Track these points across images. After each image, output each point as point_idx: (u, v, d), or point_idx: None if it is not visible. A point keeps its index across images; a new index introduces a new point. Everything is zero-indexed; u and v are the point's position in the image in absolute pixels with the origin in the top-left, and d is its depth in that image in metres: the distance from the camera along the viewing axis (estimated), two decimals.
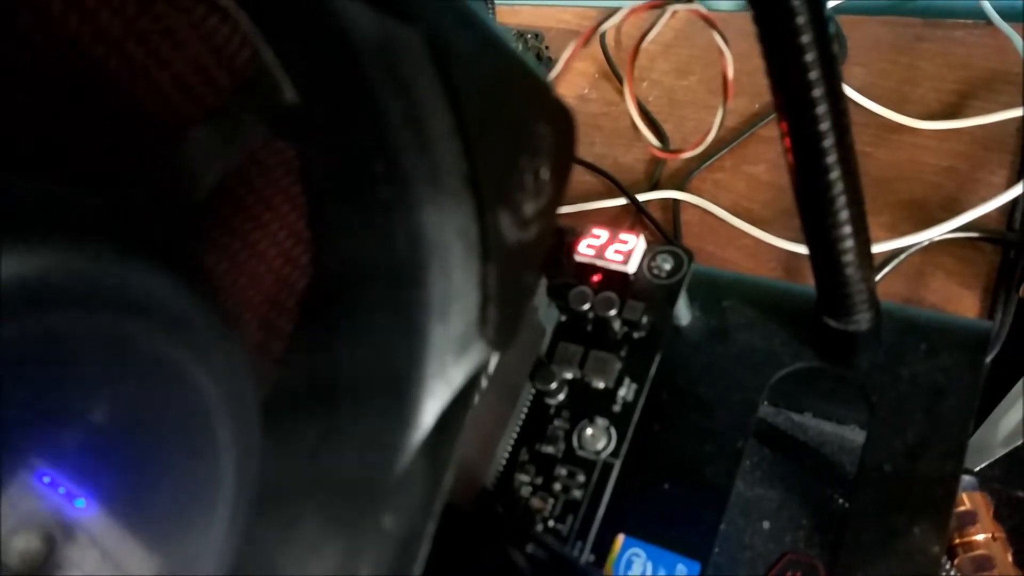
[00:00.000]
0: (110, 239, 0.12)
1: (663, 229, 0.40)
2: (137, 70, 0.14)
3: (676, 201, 0.41)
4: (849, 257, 0.21)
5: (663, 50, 0.47)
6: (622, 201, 0.42)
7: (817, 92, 0.18)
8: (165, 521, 0.12)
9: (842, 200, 0.20)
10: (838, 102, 0.18)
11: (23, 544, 0.10)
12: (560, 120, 0.14)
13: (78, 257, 0.11)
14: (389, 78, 0.13)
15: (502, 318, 0.15)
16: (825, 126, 0.19)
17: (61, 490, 0.10)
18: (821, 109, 0.18)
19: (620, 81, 0.46)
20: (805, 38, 0.17)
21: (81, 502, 0.11)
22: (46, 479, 0.10)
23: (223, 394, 0.12)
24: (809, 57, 0.18)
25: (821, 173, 0.19)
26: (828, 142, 0.19)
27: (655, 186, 0.42)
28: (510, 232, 0.14)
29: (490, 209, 0.14)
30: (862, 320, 0.22)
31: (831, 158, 0.19)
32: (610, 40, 0.48)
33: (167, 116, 0.14)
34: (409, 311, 0.15)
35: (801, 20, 0.17)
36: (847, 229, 0.20)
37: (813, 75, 0.18)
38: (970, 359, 0.23)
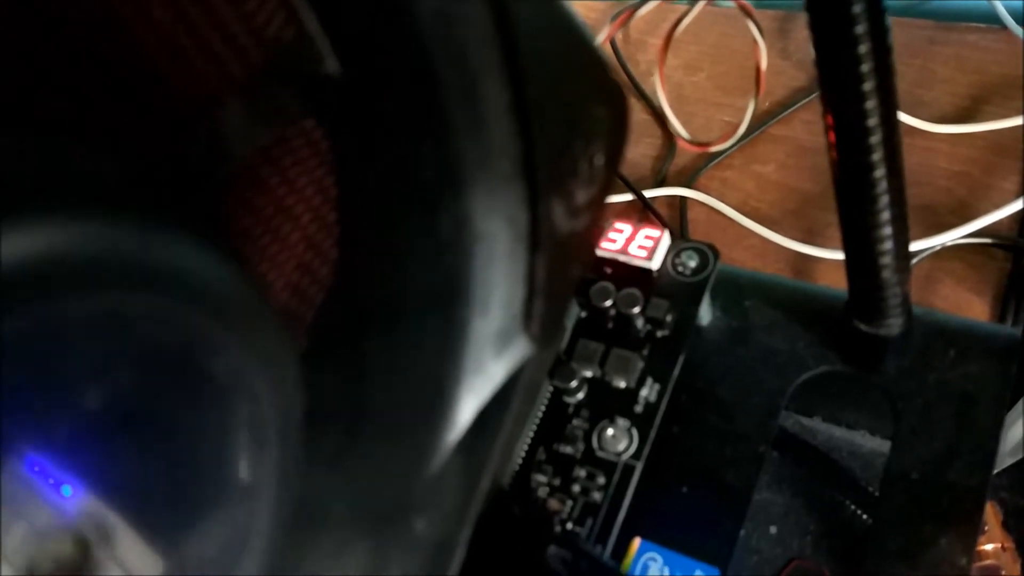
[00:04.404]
0: (132, 211, 0.11)
1: (670, 227, 0.40)
2: (165, 36, 0.13)
3: (683, 198, 0.40)
4: (887, 259, 0.20)
5: (671, 45, 0.46)
6: (627, 197, 0.41)
7: (868, 86, 0.17)
8: (189, 512, 0.11)
9: (885, 200, 0.19)
10: (890, 97, 0.18)
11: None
12: (616, 103, 0.14)
13: (99, 230, 0.10)
14: (445, 48, 0.12)
15: (547, 313, 0.14)
16: (874, 121, 0.18)
17: (50, 480, 0.10)
18: (871, 104, 0.18)
19: (629, 75, 0.46)
20: (860, 28, 0.17)
21: (67, 489, 0.10)
22: (36, 467, 0.09)
23: (267, 378, 0.11)
24: (863, 48, 0.17)
25: (865, 170, 0.19)
26: (875, 138, 0.18)
27: (661, 183, 0.42)
28: (561, 221, 0.14)
29: (542, 196, 0.13)
30: (894, 324, 0.22)
31: (877, 155, 0.19)
32: (617, 34, 0.48)
33: (195, 87, 0.13)
34: (448, 302, 0.14)
35: (857, 8, 0.17)
36: (888, 230, 0.20)
37: (865, 67, 0.17)
38: (999, 366, 0.23)
